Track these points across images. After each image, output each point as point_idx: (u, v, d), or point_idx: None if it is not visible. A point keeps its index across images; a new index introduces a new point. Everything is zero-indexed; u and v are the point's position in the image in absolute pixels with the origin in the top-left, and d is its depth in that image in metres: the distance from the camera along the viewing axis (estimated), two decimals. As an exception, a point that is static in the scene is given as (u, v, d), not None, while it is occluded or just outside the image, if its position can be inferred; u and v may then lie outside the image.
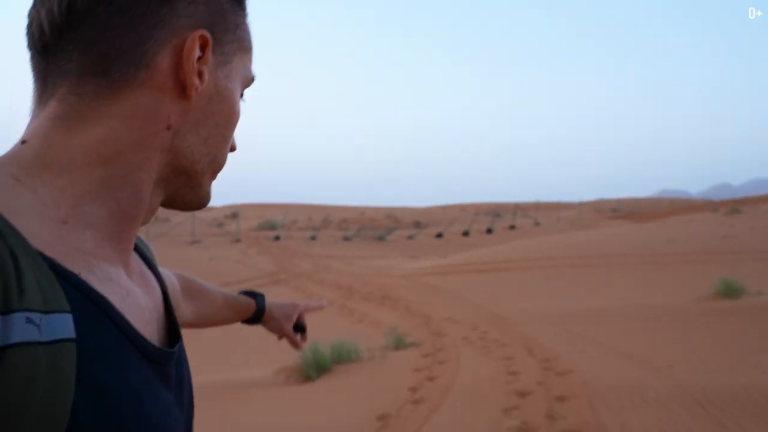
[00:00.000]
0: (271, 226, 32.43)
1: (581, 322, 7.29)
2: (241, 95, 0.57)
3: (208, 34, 0.50)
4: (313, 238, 29.04)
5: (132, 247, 0.53)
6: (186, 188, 0.54)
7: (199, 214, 29.54)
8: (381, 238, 29.64)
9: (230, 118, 0.54)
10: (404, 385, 4.79)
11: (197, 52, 0.49)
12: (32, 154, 0.47)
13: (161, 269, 0.82)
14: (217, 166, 0.55)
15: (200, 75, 0.50)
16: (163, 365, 0.51)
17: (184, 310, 0.89)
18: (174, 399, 0.52)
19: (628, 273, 12.29)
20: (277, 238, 27.09)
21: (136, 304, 0.50)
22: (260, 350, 6.72)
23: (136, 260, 0.57)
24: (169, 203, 0.55)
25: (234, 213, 38.70)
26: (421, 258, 21.25)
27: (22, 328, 0.38)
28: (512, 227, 34.40)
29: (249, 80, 0.57)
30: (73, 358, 0.40)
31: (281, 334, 1.13)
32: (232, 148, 0.59)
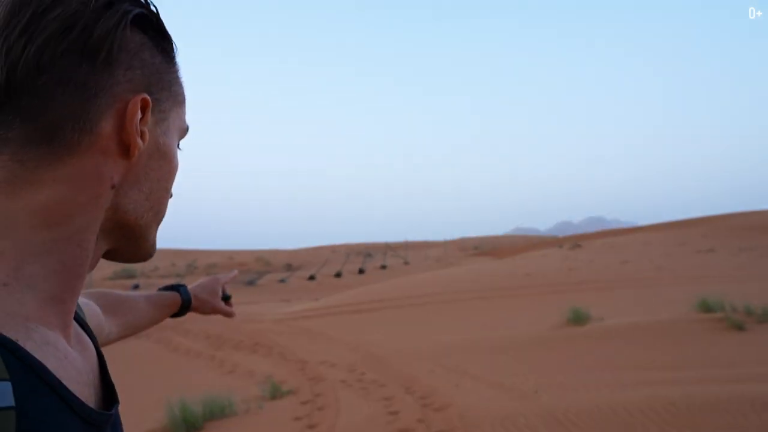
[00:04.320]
0: (129, 275, 29.95)
1: (453, 356, 7.59)
2: (178, 145, 0.60)
3: (148, 97, 0.52)
4: (177, 285, 27.27)
5: (75, 305, 0.53)
6: (130, 240, 0.56)
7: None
8: (251, 283, 28.69)
9: (170, 171, 0.58)
10: (284, 436, 4.61)
11: (139, 115, 0.52)
12: None
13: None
14: (160, 218, 0.58)
15: (142, 135, 0.52)
16: (100, 428, 0.51)
17: (109, 328, 0.90)
18: None
19: (492, 306, 13.10)
20: (136, 287, 25.12)
21: (74, 367, 0.51)
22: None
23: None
24: (115, 256, 0.57)
25: (85, 261, 35.22)
26: (293, 301, 20.86)
27: None
28: (383, 267, 35.21)
29: (184, 131, 0.61)
30: (13, 427, 0.40)
31: (214, 312, 1.13)
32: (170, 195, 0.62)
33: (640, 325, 7.92)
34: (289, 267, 41.99)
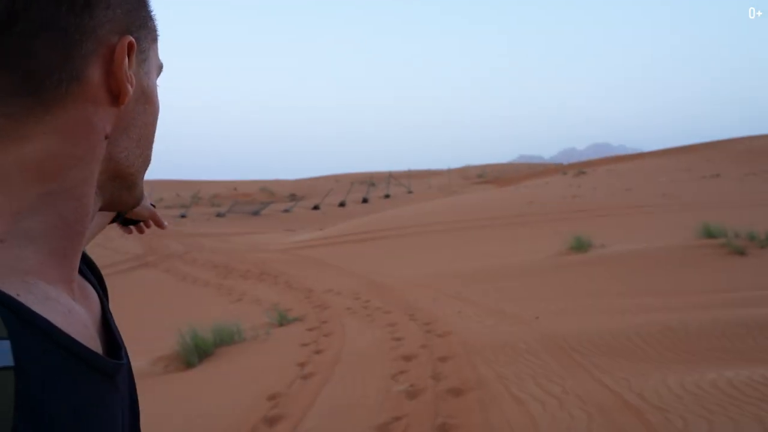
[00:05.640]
0: (134, 206, 30.23)
1: (456, 284, 7.73)
2: None
3: (133, 39, 0.49)
4: (182, 216, 27.57)
5: (78, 260, 0.52)
6: (122, 190, 0.55)
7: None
8: (256, 213, 28.92)
9: (155, 114, 0.55)
10: (292, 361, 4.77)
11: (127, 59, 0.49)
12: None
13: None
14: (148, 162, 0.56)
15: (129, 80, 0.50)
16: (112, 377, 0.50)
17: None
18: (120, 411, 0.52)
19: (494, 234, 13.21)
20: (142, 218, 25.34)
21: (79, 321, 0.49)
22: (130, 339, 6.28)
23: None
24: (107, 207, 0.55)
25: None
26: (298, 231, 21.09)
27: None
28: (387, 196, 35.34)
29: (160, 68, 0.58)
30: (11, 387, 0.39)
31: (151, 215, 1.09)
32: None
33: (641, 252, 7.98)
34: (293, 197, 42.16)
